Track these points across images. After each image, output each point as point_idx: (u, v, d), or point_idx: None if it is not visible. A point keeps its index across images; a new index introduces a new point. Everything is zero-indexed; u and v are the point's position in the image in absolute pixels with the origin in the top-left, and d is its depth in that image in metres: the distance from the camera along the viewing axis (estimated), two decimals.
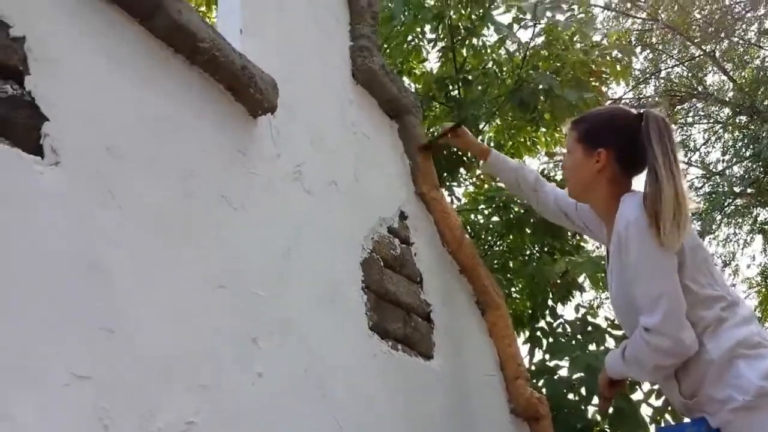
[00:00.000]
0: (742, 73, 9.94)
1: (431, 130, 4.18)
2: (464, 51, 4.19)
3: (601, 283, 3.48)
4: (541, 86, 3.85)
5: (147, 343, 1.26)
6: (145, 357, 1.25)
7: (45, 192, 1.16)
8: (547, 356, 3.47)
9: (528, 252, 4.55)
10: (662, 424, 3.08)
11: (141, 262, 1.30)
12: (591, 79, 4.32)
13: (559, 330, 3.59)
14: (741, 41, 9.48)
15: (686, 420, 1.75)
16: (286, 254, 1.70)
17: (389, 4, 3.92)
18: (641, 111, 1.77)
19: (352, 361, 1.82)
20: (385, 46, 4.50)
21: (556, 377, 3.27)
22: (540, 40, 4.49)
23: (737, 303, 1.67)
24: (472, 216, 4.91)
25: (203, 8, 4.45)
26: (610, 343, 3.46)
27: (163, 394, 1.26)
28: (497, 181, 5.40)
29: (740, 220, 9.98)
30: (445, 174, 4.34)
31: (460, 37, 4.08)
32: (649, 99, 10.19)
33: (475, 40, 4.19)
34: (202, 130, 1.54)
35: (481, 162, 2.40)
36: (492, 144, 5.51)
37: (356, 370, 1.83)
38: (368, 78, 2.28)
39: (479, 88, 4.19)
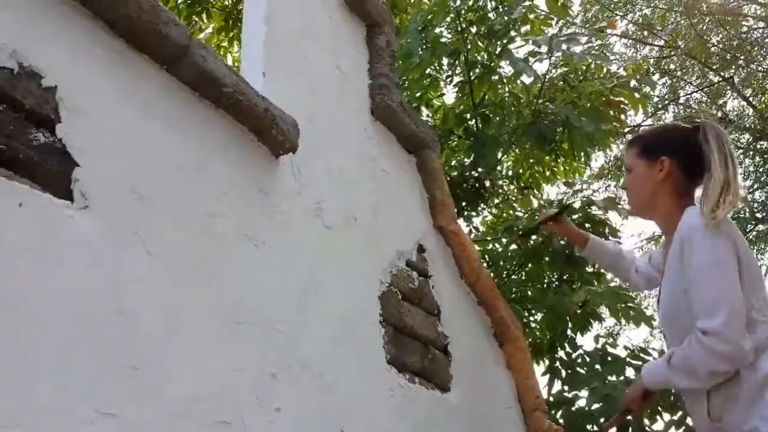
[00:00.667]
0: (762, 99, 9.90)
1: (452, 167, 4.23)
2: (481, 85, 4.24)
3: (620, 314, 3.47)
4: (558, 118, 3.88)
5: (170, 381, 1.30)
6: (169, 395, 1.28)
7: (75, 235, 1.21)
8: (566, 387, 3.46)
9: (546, 281, 4.55)
10: None
11: (165, 301, 1.34)
12: (609, 108, 4.34)
13: (579, 360, 3.58)
14: (760, 67, 9.46)
15: None
16: (305, 289, 1.74)
17: (408, 40, 3.99)
18: (696, 123, 1.83)
19: (370, 395, 1.84)
20: (404, 78, 4.58)
21: (574, 408, 3.26)
22: (556, 71, 4.53)
23: None
24: (491, 245, 4.93)
25: (225, 43, 4.57)
26: (630, 373, 3.44)
27: (185, 430, 1.29)
28: (516, 210, 5.43)
29: (763, 246, 9.86)
30: (464, 204, 4.38)
31: (477, 73, 4.14)
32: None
33: (492, 76, 4.24)
34: (225, 171, 1.59)
35: (577, 246, 2.45)
36: (510, 173, 5.55)
37: (374, 404, 1.85)
38: (387, 115, 2.33)
39: (496, 119, 4.23)
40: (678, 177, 1.80)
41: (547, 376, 3.68)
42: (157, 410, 1.26)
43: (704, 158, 1.73)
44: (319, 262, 1.83)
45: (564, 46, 3.82)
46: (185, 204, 1.46)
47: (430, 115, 5.23)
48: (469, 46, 4.13)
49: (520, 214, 5.07)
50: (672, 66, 10.42)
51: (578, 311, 3.84)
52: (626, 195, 1.95)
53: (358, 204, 2.08)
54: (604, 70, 4.26)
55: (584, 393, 3.35)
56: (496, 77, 4.19)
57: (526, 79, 4.26)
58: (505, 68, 4.37)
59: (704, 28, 9.89)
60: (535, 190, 4.98)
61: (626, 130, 10.20)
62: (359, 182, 2.13)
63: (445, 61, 4.36)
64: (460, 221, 4.63)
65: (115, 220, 1.30)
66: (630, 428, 2.61)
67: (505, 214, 5.35)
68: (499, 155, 4.35)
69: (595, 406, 3.15)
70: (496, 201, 5.71)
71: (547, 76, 4.33)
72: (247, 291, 1.56)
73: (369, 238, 2.08)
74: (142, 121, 1.43)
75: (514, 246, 4.58)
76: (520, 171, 5.34)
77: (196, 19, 4.49)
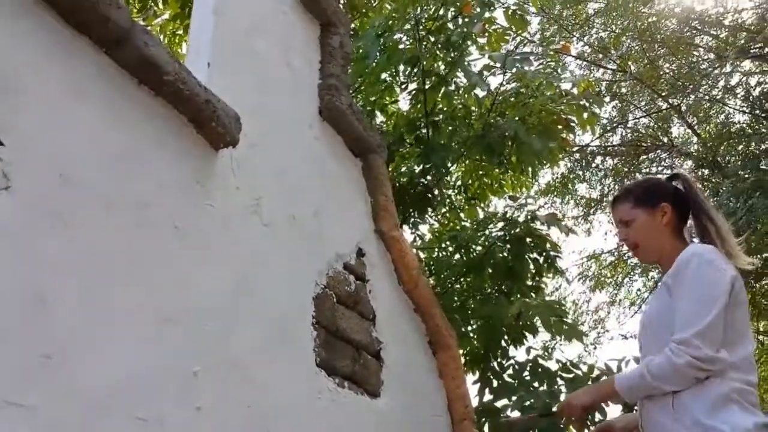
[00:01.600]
0: (707, 128, 10.24)
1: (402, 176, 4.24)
2: (435, 94, 4.27)
3: (552, 328, 3.53)
4: (507, 132, 3.94)
5: (86, 373, 1.26)
6: (84, 387, 1.24)
7: None
8: (492, 396, 3.51)
9: (488, 292, 4.60)
10: None
11: (86, 291, 1.30)
12: (557, 126, 4.42)
13: (510, 371, 3.63)
14: (707, 96, 9.79)
15: None
16: (238, 287, 1.71)
17: (365, 44, 3.99)
18: (671, 174, 2.08)
19: (297, 398, 1.83)
20: (360, 80, 4.57)
21: (502, 416, 3.30)
22: (510, 86, 4.59)
23: (753, 367, 1.78)
24: (435, 253, 4.95)
25: (181, 31, 4.48)
26: (560, 385, 3.50)
27: (98, 424, 1.25)
28: (462, 220, 5.48)
29: None
30: (411, 211, 4.39)
31: (431, 82, 4.16)
32: (615, 148, 10.43)
33: (445, 86, 4.27)
34: (161, 160, 1.56)
35: None
36: (459, 183, 5.60)
37: (300, 408, 1.83)
38: (335, 116, 2.32)
39: (448, 129, 4.26)
40: (674, 220, 1.95)
41: (479, 385, 3.71)
42: (70, 402, 1.22)
43: (690, 203, 1.96)
44: (254, 260, 1.80)
45: (518, 65, 3.88)
46: (116, 192, 1.42)
47: (384, 120, 5.23)
48: (426, 55, 4.15)
49: (467, 224, 5.12)
50: (623, 89, 10.69)
51: (514, 323, 3.89)
52: (631, 245, 2.03)
53: (298, 203, 2.06)
54: (555, 89, 4.34)
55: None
56: (451, 87, 4.22)
57: (480, 92, 4.30)
58: (461, 78, 4.40)
59: (656, 54, 10.18)
60: (481, 202, 5.03)
61: (575, 149, 10.45)
62: (302, 181, 2.11)
63: (402, 67, 4.36)
64: (406, 227, 4.66)
65: (37, 203, 1.25)
66: None
67: (451, 224, 5.39)
68: (449, 164, 4.38)
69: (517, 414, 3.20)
70: (444, 210, 5.75)
71: (500, 90, 4.38)
72: (176, 285, 1.52)
73: (307, 238, 2.06)
74: (77, 104, 1.38)
75: (457, 256, 4.61)
76: (469, 181, 5.40)
77: (152, 4, 4.40)
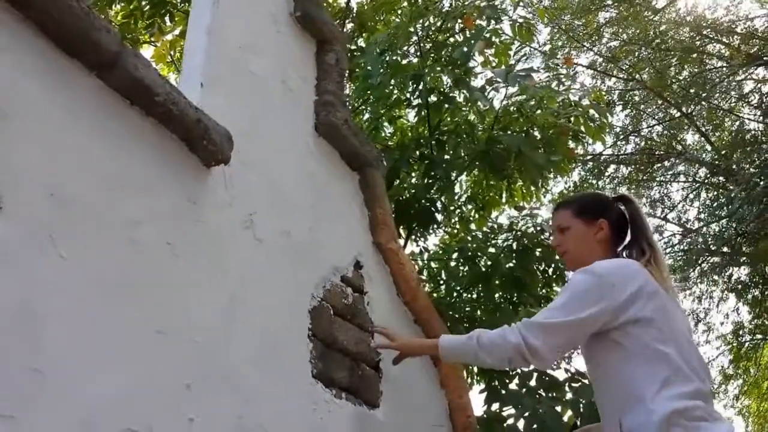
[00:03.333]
0: (721, 135, 10.18)
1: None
2: (437, 111, 4.31)
3: None
4: (511, 148, 3.97)
5: (75, 387, 1.29)
6: (72, 401, 1.28)
7: None
8: (496, 405, 3.51)
9: (497, 302, 4.60)
10: None
11: (77, 307, 1.34)
12: (562, 138, 4.44)
13: (517, 381, 3.63)
14: (718, 106, 9.74)
15: None
16: (231, 301, 1.75)
17: (367, 63, 4.04)
18: (618, 195, 2.13)
19: (292, 409, 1.86)
20: (368, 93, 4.62)
21: (507, 424, 3.31)
22: (514, 99, 4.62)
23: (694, 377, 1.74)
24: (444, 265, 4.97)
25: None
26: (568, 395, 3.50)
27: None
28: (472, 231, 5.49)
29: (715, 278, 10.10)
30: (415, 226, 4.42)
31: (435, 99, 4.21)
32: (629, 156, 10.39)
33: (448, 103, 4.32)
34: (153, 179, 1.60)
35: None
36: (469, 193, 5.62)
37: (295, 419, 1.86)
38: (330, 131, 2.36)
39: (452, 144, 4.30)
40: (609, 237, 2.00)
41: (486, 394, 3.71)
42: (59, 415, 1.26)
43: (632, 226, 2.01)
44: (248, 275, 1.84)
45: (519, 80, 3.91)
46: (108, 210, 1.47)
47: (393, 132, 5.27)
48: (429, 74, 4.19)
49: (477, 234, 5.13)
50: (636, 98, 10.67)
51: None
52: (561, 252, 2.08)
53: (293, 218, 2.10)
54: (558, 102, 4.37)
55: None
56: (452, 105, 4.26)
57: (483, 107, 4.34)
58: (465, 93, 4.43)
59: (667, 63, 10.15)
60: (488, 213, 5.05)
61: (588, 157, 10.42)
62: (297, 197, 2.15)
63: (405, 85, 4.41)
64: (411, 242, 4.68)
65: (29, 223, 1.30)
66: None
67: (461, 234, 5.41)
68: (453, 178, 4.41)
69: (522, 422, 3.20)
70: (454, 220, 5.77)
71: (504, 104, 4.41)
72: (168, 300, 1.56)
73: (303, 252, 2.10)
74: (68, 126, 1.43)
75: (465, 267, 4.63)
76: (479, 191, 5.42)
77: (158, 20, 4.47)
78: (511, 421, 3.28)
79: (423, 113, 4.36)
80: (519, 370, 3.77)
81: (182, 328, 1.58)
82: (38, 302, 1.27)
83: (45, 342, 1.26)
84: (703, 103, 9.57)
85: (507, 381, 3.76)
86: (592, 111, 4.76)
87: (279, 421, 1.80)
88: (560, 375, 3.66)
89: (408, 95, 4.43)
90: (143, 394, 1.43)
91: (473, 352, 1.90)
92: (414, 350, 2.19)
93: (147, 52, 5.13)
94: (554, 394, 3.44)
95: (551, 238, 2.18)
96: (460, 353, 1.98)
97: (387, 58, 4.22)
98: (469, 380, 4.50)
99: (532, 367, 1.93)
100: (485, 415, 3.51)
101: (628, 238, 2.02)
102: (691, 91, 9.67)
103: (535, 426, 3.27)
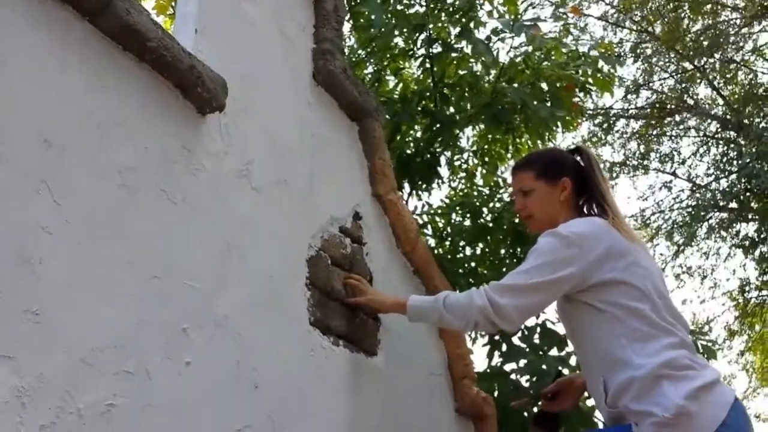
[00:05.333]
0: (733, 89, 10.02)
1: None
2: (441, 62, 4.26)
3: None
4: (515, 101, 3.93)
5: (72, 327, 1.32)
6: (70, 341, 1.31)
7: None
8: (501, 360, 3.55)
9: (501, 257, 4.62)
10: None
11: (72, 252, 1.36)
12: (569, 92, 4.38)
13: (518, 335, 3.66)
14: (731, 59, 9.56)
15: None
16: (227, 249, 1.76)
17: (370, 11, 3.98)
18: (573, 147, 2.10)
19: (288, 355, 1.89)
20: (372, 45, 4.55)
21: (510, 379, 3.36)
22: (520, 50, 4.55)
23: (673, 329, 1.75)
24: (448, 219, 4.98)
25: None
26: (570, 348, 3.54)
27: (85, 376, 1.32)
28: (478, 186, 5.48)
29: (723, 234, 10.07)
30: (418, 180, 4.41)
31: (438, 50, 4.15)
32: (639, 110, 10.27)
33: (452, 54, 4.26)
34: (147, 126, 1.60)
35: None
36: (475, 147, 5.59)
37: (292, 364, 1.89)
38: (328, 80, 2.34)
39: (456, 97, 4.26)
40: (572, 195, 1.98)
41: (488, 348, 3.76)
42: (57, 356, 1.28)
43: (587, 178, 1.98)
44: (244, 223, 1.85)
45: (525, 30, 3.85)
46: (101, 156, 1.47)
47: (396, 85, 5.22)
48: (431, 22, 4.13)
49: (483, 189, 5.12)
50: (648, 51, 10.49)
51: None
52: (524, 216, 2.05)
53: (290, 167, 2.10)
54: (563, 55, 4.30)
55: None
56: (457, 55, 4.20)
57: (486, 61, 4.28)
58: (468, 48, 4.37)
59: (681, 15, 9.94)
60: (493, 168, 5.03)
61: (598, 112, 10.30)
62: (294, 146, 2.15)
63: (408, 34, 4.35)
64: (414, 196, 4.68)
65: (22, 168, 1.31)
66: None
67: (466, 190, 5.40)
68: (456, 133, 4.38)
69: (526, 378, 3.24)
70: (460, 175, 5.75)
71: (510, 55, 4.35)
72: (164, 247, 1.58)
73: (300, 202, 2.10)
74: (60, 72, 1.43)
75: (467, 222, 4.64)
76: (484, 146, 5.39)
77: None
78: (513, 376, 3.32)
79: (427, 65, 4.31)
80: (523, 326, 3.81)
81: (178, 274, 1.60)
82: (34, 247, 1.29)
83: (41, 285, 1.28)
84: (716, 56, 9.39)
85: (509, 335, 3.80)
86: (600, 63, 4.69)
87: (276, 366, 1.83)
88: (562, 330, 3.72)
89: (411, 45, 4.37)
90: (140, 337, 1.46)
91: (438, 314, 1.92)
92: (381, 306, 2.20)
93: (148, 3, 5.07)
94: (558, 351, 3.48)
95: (511, 197, 2.16)
96: (426, 314, 2.00)
97: (390, 7, 4.15)
98: (474, 335, 4.56)
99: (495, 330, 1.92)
100: (488, 370, 3.56)
101: (586, 192, 2.00)
102: (704, 43, 9.49)
103: (535, 378, 3.32)
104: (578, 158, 2.03)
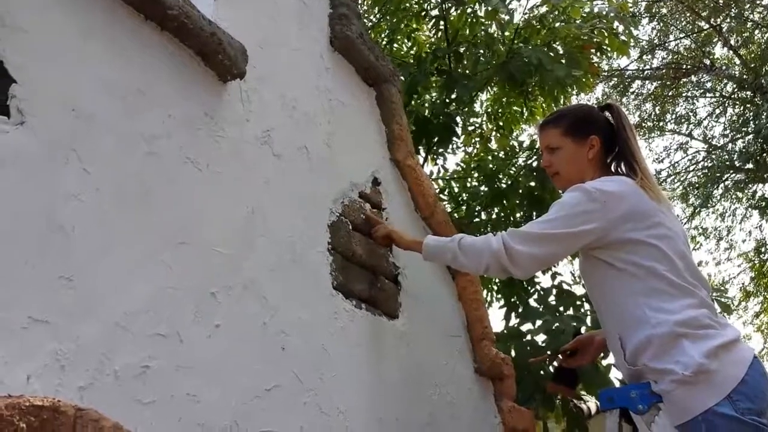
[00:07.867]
0: (750, 49, 9.85)
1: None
2: (456, 22, 4.22)
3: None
4: (531, 60, 3.89)
5: (105, 294, 1.35)
6: (103, 307, 1.35)
7: (10, 149, 1.25)
8: (518, 320, 3.60)
9: (516, 220, 4.64)
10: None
11: (102, 219, 1.38)
12: (584, 52, 4.34)
13: (535, 296, 3.70)
14: (749, 18, 9.39)
15: None
16: (250, 214, 1.79)
17: None
18: (604, 104, 2.05)
19: (313, 317, 1.92)
20: (381, 11, 4.53)
21: (526, 339, 3.40)
22: (537, 10, 4.50)
23: (694, 289, 1.76)
24: (465, 184, 4.98)
25: None
26: (586, 307, 3.57)
27: (120, 339, 1.36)
28: (492, 150, 5.46)
29: (739, 195, 10.01)
30: (434, 142, 4.41)
31: (451, 6, 4.11)
32: (655, 71, 10.14)
33: (468, 9, 4.21)
34: (169, 93, 1.62)
35: None
36: (489, 111, 5.56)
37: (316, 327, 1.93)
38: (346, 45, 2.34)
39: (471, 58, 4.23)
40: (601, 154, 1.96)
41: (505, 309, 3.81)
42: (92, 320, 1.32)
43: (617, 136, 1.96)
44: (266, 189, 1.87)
45: None
46: (126, 124, 1.49)
47: (411, 46, 5.17)
48: None
49: (498, 154, 5.11)
50: (664, 11, 10.31)
51: None
52: (551, 172, 2.03)
53: (310, 134, 2.11)
54: (580, 14, 4.24)
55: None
56: (470, 12, 4.16)
57: (503, 16, 4.24)
58: (482, 7, 4.32)
59: None
60: (508, 131, 5.01)
61: (613, 73, 10.18)
62: (314, 112, 2.16)
63: None
64: (430, 159, 4.68)
65: (52, 137, 1.33)
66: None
67: (481, 154, 5.39)
68: (472, 94, 4.36)
69: (543, 338, 3.28)
70: (475, 140, 5.73)
71: (525, 16, 4.31)
72: (189, 213, 1.60)
73: (320, 168, 2.12)
74: (84, 41, 1.44)
75: (483, 187, 4.65)
76: (499, 110, 5.36)
77: None
78: (529, 337, 3.36)
79: (439, 25, 4.28)
80: (538, 287, 3.85)
81: (205, 240, 1.63)
82: (65, 214, 1.32)
83: (74, 252, 1.32)
84: (733, 14, 9.23)
85: (526, 296, 3.84)
86: (616, 23, 4.64)
87: (301, 328, 1.87)
88: (579, 291, 3.75)
89: (425, 5, 4.34)
90: (170, 301, 1.49)
91: (452, 253, 1.94)
92: (401, 241, 2.21)
93: None
94: (574, 312, 3.52)
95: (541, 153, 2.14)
96: (440, 253, 2.02)
97: None
98: (490, 297, 4.60)
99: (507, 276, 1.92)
100: (505, 331, 3.60)
101: (616, 150, 1.97)
102: (721, 2, 9.31)
103: (550, 338, 3.37)
104: (609, 115, 2.00)
